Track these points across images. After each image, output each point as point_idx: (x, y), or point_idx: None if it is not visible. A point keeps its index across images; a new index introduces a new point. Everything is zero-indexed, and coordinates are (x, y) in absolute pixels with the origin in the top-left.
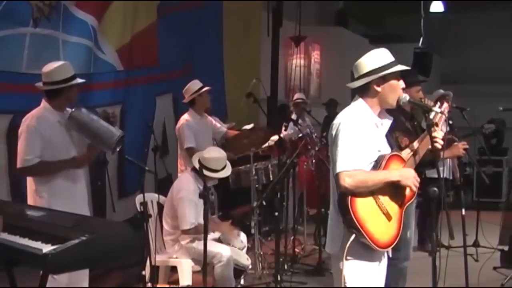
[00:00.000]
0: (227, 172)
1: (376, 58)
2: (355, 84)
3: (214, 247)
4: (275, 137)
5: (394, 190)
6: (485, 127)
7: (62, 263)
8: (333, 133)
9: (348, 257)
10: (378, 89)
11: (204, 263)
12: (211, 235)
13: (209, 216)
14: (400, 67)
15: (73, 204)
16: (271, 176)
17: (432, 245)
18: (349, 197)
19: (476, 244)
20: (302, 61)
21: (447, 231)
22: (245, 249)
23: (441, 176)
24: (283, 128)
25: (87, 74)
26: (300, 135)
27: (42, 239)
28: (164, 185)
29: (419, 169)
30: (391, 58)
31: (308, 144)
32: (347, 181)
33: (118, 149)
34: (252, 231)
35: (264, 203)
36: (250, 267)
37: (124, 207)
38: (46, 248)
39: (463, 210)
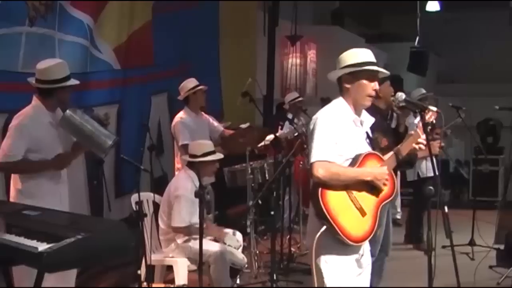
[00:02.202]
0: (218, 155)
1: (353, 55)
2: (330, 76)
3: (210, 246)
4: (270, 136)
5: (371, 186)
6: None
7: (57, 261)
8: (311, 127)
9: (323, 252)
10: (348, 86)
11: (200, 262)
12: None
13: (204, 216)
14: (371, 67)
15: (55, 204)
16: (267, 175)
17: (428, 245)
18: (320, 188)
19: (472, 243)
20: (298, 60)
21: (443, 230)
22: (241, 248)
23: (437, 174)
24: (279, 127)
25: (83, 73)
26: (296, 134)
27: (38, 237)
28: (159, 184)
29: (397, 169)
30: (370, 58)
31: (304, 143)
32: (320, 172)
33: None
34: (248, 230)
35: (260, 202)
36: (246, 266)
37: (120, 206)
38: (42, 246)
39: (446, 208)
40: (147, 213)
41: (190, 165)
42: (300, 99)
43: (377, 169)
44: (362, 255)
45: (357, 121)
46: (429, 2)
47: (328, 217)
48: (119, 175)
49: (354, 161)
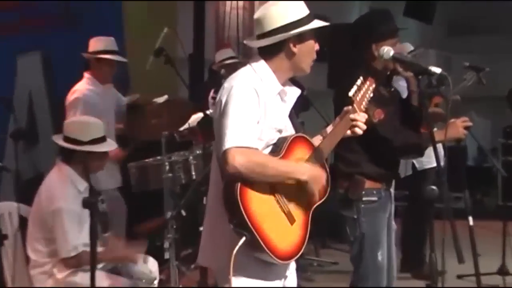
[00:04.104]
0: (110, 143)
1: (290, 10)
2: (262, 43)
3: (108, 282)
4: (198, 115)
5: (299, 189)
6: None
7: None
8: (223, 100)
9: (236, 274)
10: (295, 50)
11: None
12: (103, 264)
13: (99, 235)
14: (320, 23)
15: None
16: (193, 173)
17: (431, 272)
18: (239, 184)
19: (503, 271)
20: (241, 2)
21: (454, 250)
22: (156, 282)
23: (441, 165)
24: (211, 102)
25: None
26: None
27: None
28: (31, 189)
29: (398, 157)
30: (307, 10)
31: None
32: (238, 160)
33: None
34: (167, 255)
35: (183, 213)
36: None
37: None
38: None
39: (471, 219)
40: (8, 234)
41: (68, 158)
42: (235, 60)
43: (316, 169)
44: (286, 278)
45: (283, 94)
46: None
47: (250, 225)
48: None
49: (278, 148)
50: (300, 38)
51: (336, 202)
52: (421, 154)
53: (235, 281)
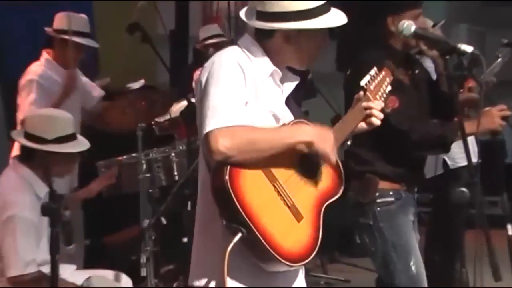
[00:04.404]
0: (82, 143)
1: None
2: (259, 25)
3: None
4: (182, 103)
5: (307, 168)
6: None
7: None
8: (203, 80)
9: (231, 280)
10: (295, 41)
11: None
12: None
13: (61, 249)
14: (335, 20)
15: None
16: (175, 173)
17: None
18: (228, 167)
19: None
20: None
21: (489, 265)
22: None
23: (473, 163)
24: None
25: None
26: None
27: None
28: None
29: (418, 152)
30: None
31: None
32: (222, 142)
33: None
34: (143, 272)
35: (163, 220)
36: None
37: None
38: None
39: (510, 228)
40: None
41: (27, 157)
42: (222, 38)
43: (321, 129)
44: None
45: (277, 76)
46: None
47: (245, 216)
48: None
49: None
50: (307, 31)
51: (347, 207)
52: (446, 148)
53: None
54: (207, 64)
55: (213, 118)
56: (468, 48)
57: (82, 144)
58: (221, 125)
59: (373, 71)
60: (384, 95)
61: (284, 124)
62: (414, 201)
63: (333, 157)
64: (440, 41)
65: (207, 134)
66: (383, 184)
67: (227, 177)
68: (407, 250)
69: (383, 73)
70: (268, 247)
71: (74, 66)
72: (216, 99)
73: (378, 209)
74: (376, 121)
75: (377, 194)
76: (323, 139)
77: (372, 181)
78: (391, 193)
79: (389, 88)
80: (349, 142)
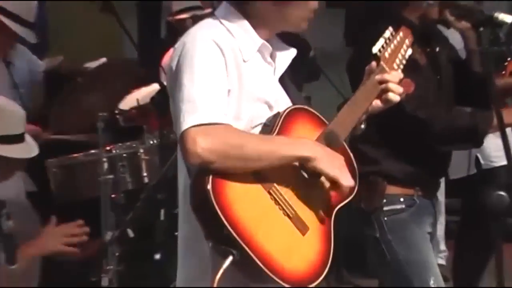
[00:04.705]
0: (27, 149)
1: None
2: None
3: None
4: (153, 87)
5: (308, 179)
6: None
7: None
8: (173, 65)
9: None
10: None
11: None
12: None
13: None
14: None
15: None
16: (145, 174)
17: None
18: (210, 175)
19: None
20: None
21: None
22: None
23: None
24: None
25: None
26: None
27: None
28: None
29: (436, 147)
30: None
31: None
32: (201, 143)
33: None
34: None
35: (130, 233)
36: None
37: None
38: None
39: None
40: None
41: None
42: (198, 11)
43: (326, 147)
44: None
45: (266, 51)
46: None
47: (236, 235)
48: None
49: (268, 128)
50: None
51: (354, 216)
52: (477, 142)
53: None
54: (177, 45)
55: (191, 113)
56: (508, 18)
57: (30, 149)
58: (200, 122)
59: (388, 33)
60: (403, 62)
61: (279, 115)
62: (433, 209)
63: (346, 180)
64: (471, 9)
65: (183, 133)
66: (391, 189)
67: (209, 186)
68: (424, 266)
69: (401, 33)
70: (266, 269)
71: (2, 54)
72: (193, 91)
73: (386, 218)
74: (395, 97)
75: (384, 200)
76: (330, 159)
77: (377, 184)
78: (401, 199)
79: (410, 52)
80: (362, 126)
